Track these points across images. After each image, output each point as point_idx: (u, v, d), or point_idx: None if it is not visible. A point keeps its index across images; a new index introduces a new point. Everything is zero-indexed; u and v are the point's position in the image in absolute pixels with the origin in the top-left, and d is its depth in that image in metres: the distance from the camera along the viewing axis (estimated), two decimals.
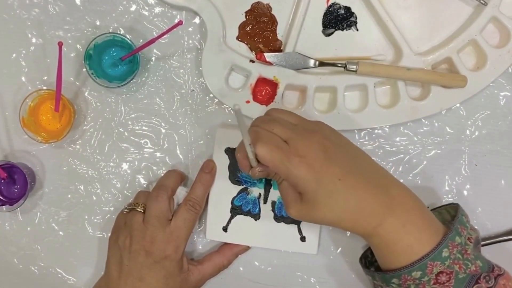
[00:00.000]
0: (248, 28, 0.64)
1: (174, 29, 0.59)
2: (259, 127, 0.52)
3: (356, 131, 0.66)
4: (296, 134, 0.51)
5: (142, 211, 0.59)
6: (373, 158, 0.65)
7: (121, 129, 0.66)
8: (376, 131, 0.66)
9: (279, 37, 0.65)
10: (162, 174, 0.65)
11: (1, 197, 0.64)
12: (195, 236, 0.66)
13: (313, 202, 0.51)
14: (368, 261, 0.60)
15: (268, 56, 0.63)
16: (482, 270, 0.51)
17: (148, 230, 0.57)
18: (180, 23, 0.58)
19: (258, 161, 0.52)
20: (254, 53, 0.64)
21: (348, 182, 0.50)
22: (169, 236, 0.58)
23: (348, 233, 0.66)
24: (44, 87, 0.65)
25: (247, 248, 0.65)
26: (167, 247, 0.57)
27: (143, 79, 0.66)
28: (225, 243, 0.65)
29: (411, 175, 0.66)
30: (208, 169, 0.62)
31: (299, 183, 0.51)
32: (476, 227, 0.66)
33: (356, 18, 0.65)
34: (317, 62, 0.63)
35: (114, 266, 0.58)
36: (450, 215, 0.59)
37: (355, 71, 0.62)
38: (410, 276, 0.51)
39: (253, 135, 0.51)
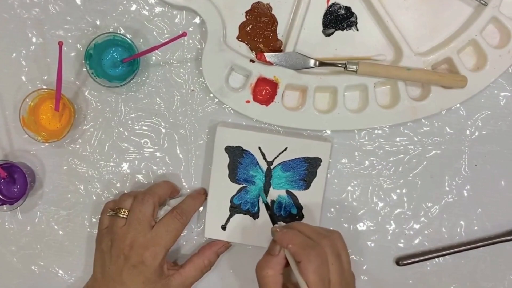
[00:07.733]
0: (248, 28, 0.64)
1: (178, 39, 0.59)
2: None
3: (356, 131, 0.66)
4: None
5: (125, 217, 0.58)
6: (372, 158, 0.66)
7: (121, 129, 0.66)
8: (376, 131, 0.66)
9: (279, 37, 0.65)
10: (162, 174, 0.65)
11: (1, 197, 0.64)
12: (195, 236, 0.66)
13: None
14: None
15: (268, 56, 0.63)
16: None
17: (129, 234, 0.57)
18: (184, 34, 0.58)
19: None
20: (254, 53, 0.64)
21: None
22: (149, 241, 0.57)
23: (347, 234, 0.66)
24: (44, 87, 0.65)
25: (227, 245, 0.64)
26: (144, 252, 0.57)
27: (143, 78, 0.66)
28: (206, 243, 0.64)
29: (411, 175, 0.66)
30: (201, 191, 0.64)
31: None
32: (476, 227, 0.66)
33: (356, 18, 0.65)
34: (317, 62, 0.63)
35: (98, 268, 0.59)
36: None
37: (355, 71, 0.62)
38: None
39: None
